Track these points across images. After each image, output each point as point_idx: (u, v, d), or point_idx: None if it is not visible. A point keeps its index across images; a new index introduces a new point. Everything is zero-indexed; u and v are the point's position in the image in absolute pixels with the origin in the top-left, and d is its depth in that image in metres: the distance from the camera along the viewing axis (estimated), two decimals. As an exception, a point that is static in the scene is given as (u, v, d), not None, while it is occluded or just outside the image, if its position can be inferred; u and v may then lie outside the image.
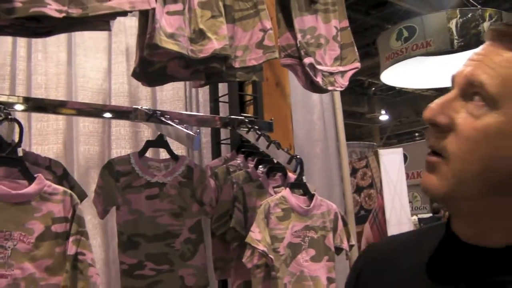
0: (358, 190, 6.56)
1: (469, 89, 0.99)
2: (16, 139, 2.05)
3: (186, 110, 3.35)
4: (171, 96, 3.37)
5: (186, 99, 3.41)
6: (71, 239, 1.97)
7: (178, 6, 2.30)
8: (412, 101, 18.79)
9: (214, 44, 2.36)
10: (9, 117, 1.96)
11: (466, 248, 1.03)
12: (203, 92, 3.47)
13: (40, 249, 1.90)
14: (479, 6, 10.62)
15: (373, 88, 19.36)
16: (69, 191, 2.02)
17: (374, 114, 20.26)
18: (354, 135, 19.80)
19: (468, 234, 1.04)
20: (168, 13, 2.26)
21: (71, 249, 1.96)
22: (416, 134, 21.81)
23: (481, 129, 0.96)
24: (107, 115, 2.55)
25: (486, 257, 1.01)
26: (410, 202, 6.37)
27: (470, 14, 9.62)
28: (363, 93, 19.58)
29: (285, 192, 2.65)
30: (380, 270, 1.18)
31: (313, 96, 3.99)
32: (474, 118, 0.97)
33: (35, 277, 1.87)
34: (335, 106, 4.28)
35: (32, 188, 1.92)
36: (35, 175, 1.96)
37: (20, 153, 2.02)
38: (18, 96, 2.48)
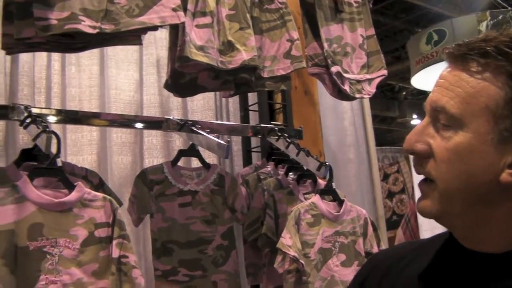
0: (390, 195, 6.55)
1: (436, 114, 1.07)
2: (54, 150, 2.11)
3: (217, 120, 3.40)
4: (201, 105, 3.42)
5: (216, 108, 3.46)
6: (114, 242, 2.03)
7: (207, 19, 2.37)
8: (443, 105, 18.55)
9: (243, 55, 2.42)
10: (47, 129, 2.02)
11: (468, 254, 1.09)
12: (233, 102, 3.52)
13: (85, 254, 1.97)
14: (509, 8, 10.51)
15: (404, 93, 19.21)
16: (108, 197, 2.09)
17: (405, 118, 20.09)
18: (386, 140, 19.65)
19: (467, 244, 1.10)
20: (197, 26, 2.33)
21: (115, 252, 2.02)
22: (448, 138, 21.51)
23: (452, 149, 1.03)
24: (140, 125, 2.63)
25: (487, 262, 1.06)
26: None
27: (501, 16, 9.52)
28: (393, 97, 19.44)
29: (315, 198, 2.69)
30: (383, 276, 1.22)
31: (343, 103, 4.02)
32: (446, 141, 1.04)
33: (83, 281, 1.94)
34: (365, 112, 4.30)
35: (73, 195, 2.00)
36: (75, 183, 2.03)
37: (59, 164, 2.09)
38: (53, 109, 2.57)
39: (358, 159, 4.17)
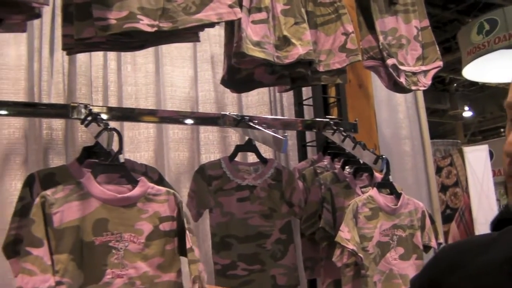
0: (443, 188, 6.47)
1: None
2: (114, 147, 2.15)
3: (271, 114, 3.41)
4: (256, 101, 3.45)
5: (270, 103, 3.48)
6: (179, 236, 2.06)
7: (263, 15, 2.37)
8: (496, 96, 18.24)
9: (298, 50, 2.42)
10: (108, 127, 2.05)
11: None
12: (287, 96, 3.53)
13: (150, 248, 1.99)
14: None
15: (455, 84, 18.91)
16: (171, 190, 2.10)
17: (457, 110, 19.78)
18: (438, 132, 19.39)
19: None
20: (253, 22, 2.34)
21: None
22: (501, 130, 21.14)
23: None
24: (196, 121, 2.67)
25: None
26: (497, 200, 6.22)
27: (555, 3, 9.30)
28: (444, 89, 19.15)
29: (373, 191, 2.68)
30: (456, 268, 1.18)
31: (396, 96, 4.00)
32: None
33: (149, 275, 1.96)
34: (418, 104, 4.27)
35: (137, 190, 2.02)
36: (138, 179, 2.06)
37: (121, 160, 2.12)
38: (110, 107, 2.61)
39: (413, 151, 4.14)
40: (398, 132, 4.09)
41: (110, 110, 2.45)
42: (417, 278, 1.27)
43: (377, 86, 3.51)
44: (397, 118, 4.09)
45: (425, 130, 4.30)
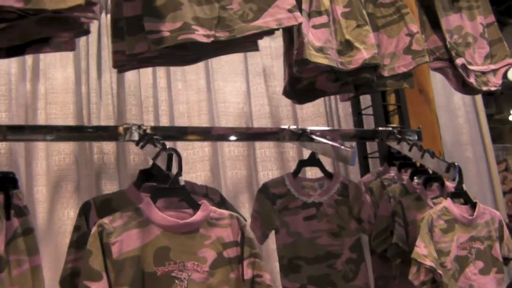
0: (499, 195, 6.29)
1: None
2: (172, 169, 2.03)
3: (328, 126, 3.30)
4: (311, 113, 3.33)
5: (327, 115, 3.37)
6: (245, 262, 1.91)
7: (323, 19, 2.24)
8: (543, 98, 17.94)
9: (363, 54, 2.29)
10: (166, 147, 1.94)
11: None
12: (343, 107, 3.40)
13: (215, 277, 1.86)
14: None
15: (500, 87, 18.64)
16: (235, 214, 1.97)
17: (502, 114, 19.49)
18: (484, 138, 19.06)
19: None
20: (314, 26, 2.21)
21: (247, 273, 1.90)
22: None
23: None
24: (254, 137, 2.60)
25: None
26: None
27: None
28: (489, 93, 18.87)
29: (447, 202, 2.51)
30: None
31: (455, 100, 3.88)
32: None
33: None
34: (478, 108, 4.13)
35: (199, 215, 1.89)
36: (199, 202, 1.93)
37: (181, 183, 2.00)
38: (164, 126, 2.53)
39: (476, 157, 3.98)
40: (459, 138, 3.94)
41: (163, 129, 2.34)
42: None
43: (435, 90, 3.37)
44: (457, 123, 3.95)
45: (486, 134, 4.15)
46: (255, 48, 2.10)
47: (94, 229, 1.77)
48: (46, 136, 2.07)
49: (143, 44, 1.89)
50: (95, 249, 1.74)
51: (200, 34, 1.88)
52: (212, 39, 1.91)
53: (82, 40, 2.79)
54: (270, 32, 2.01)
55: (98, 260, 1.73)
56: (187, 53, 2.05)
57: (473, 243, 2.49)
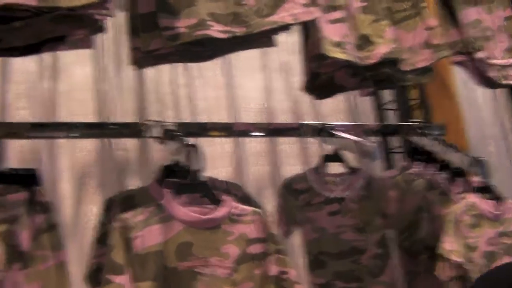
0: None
1: None
2: (193, 165, 2.02)
3: (349, 122, 3.26)
4: (331, 108, 3.31)
5: (349, 110, 3.36)
6: (270, 259, 1.90)
7: (340, 13, 2.22)
8: None
9: (381, 49, 2.28)
10: (187, 144, 1.95)
11: None
12: (363, 102, 3.40)
13: (239, 273, 1.84)
14: None
15: (518, 82, 18.53)
16: (258, 209, 1.96)
17: (523, 109, 19.35)
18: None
19: None
20: (331, 21, 2.18)
21: (272, 270, 1.88)
22: None
23: None
24: (275, 133, 2.55)
25: None
26: None
27: None
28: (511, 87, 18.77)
29: (473, 197, 2.48)
30: None
31: (477, 93, 3.84)
32: None
33: None
34: (499, 102, 4.08)
35: (221, 211, 1.88)
36: (221, 198, 1.93)
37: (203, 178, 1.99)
38: (185, 122, 2.50)
39: (499, 152, 3.94)
40: (481, 132, 3.90)
41: (184, 126, 2.31)
42: None
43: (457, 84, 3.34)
44: (479, 117, 3.92)
45: (510, 128, 4.08)
46: (272, 43, 2.10)
47: (115, 224, 1.77)
48: (69, 133, 2.07)
49: (158, 40, 1.89)
50: (117, 243, 1.74)
51: (216, 30, 1.86)
52: (228, 34, 1.89)
53: (99, 38, 2.79)
54: (285, 27, 2.00)
55: (120, 254, 1.73)
56: (203, 49, 2.03)
57: (501, 238, 2.46)
